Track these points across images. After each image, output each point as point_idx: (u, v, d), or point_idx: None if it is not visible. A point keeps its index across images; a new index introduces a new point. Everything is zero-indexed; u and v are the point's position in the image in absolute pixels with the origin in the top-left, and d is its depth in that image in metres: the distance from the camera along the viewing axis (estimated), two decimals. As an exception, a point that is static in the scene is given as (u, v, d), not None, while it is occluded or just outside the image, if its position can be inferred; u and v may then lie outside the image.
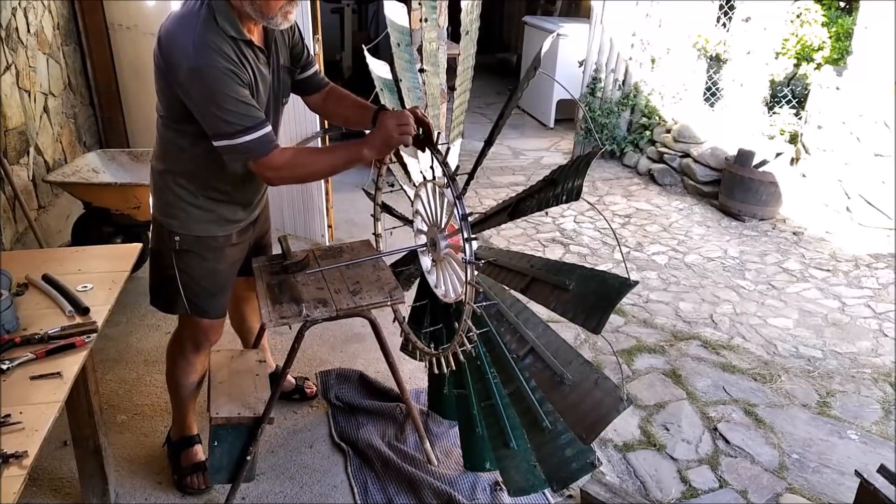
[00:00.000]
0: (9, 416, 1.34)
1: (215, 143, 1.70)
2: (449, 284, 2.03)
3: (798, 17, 4.94)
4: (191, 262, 1.97)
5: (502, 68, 9.00)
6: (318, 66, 2.10)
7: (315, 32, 3.51)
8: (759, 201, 4.70)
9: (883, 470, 1.65)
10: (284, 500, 2.21)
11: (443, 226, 2.00)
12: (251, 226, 2.10)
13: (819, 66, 4.88)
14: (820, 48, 4.86)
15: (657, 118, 5.77)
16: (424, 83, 2.16)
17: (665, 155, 5.51)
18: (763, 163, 4.72)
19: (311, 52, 2.04)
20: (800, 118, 5.06)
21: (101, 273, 1.88)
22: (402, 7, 2.27)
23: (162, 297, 2.07)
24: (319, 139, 3.68)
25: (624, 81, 5.87)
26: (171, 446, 2.29)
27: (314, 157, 1.92)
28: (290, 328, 1.93)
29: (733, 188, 4.77)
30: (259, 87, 1.77)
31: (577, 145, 5.98)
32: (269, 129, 1.71)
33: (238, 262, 2.11)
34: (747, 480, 2.40)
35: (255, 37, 1.76)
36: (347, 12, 6.24)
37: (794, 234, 4.58)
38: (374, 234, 2.39)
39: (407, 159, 2.22)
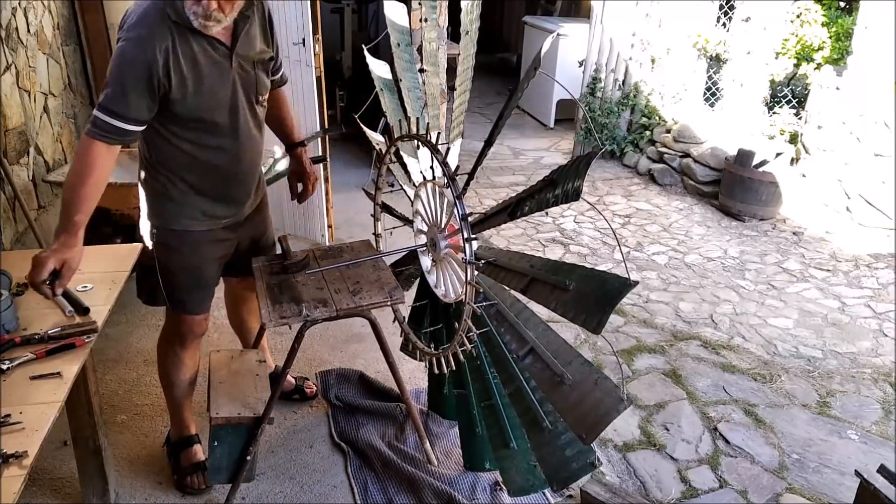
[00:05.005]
0: (9, 416, 1.34)
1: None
2: (449, 284, 2.03)
3: (798, 17, 4.94)
4: (168, 254, 1.98)
5: (502, 68, 9.00)
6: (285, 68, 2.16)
7: (315, 32, 3.50)
8: (759, 201, 4.70)
9: (883, 470, 1.65)
10: (284, 500, 2.21)
11: (443, 226, 2.00)
12: (240, 225, 2.09)
13: (819, 66, 4.88)
14: (820, 48, 4.86)
15: (657, 118, 5.77)
16: (424, 83, 2.16)
17: (665, 155, 5.51)
18: (763, 163, 4.72)
19: (279, 58, 2.07)
20: (800, 118, 5.06)
21: (101, 273, 1.88)
22: (402, 7, 2.27)
23: (144, 289, 2.10)
24: (319, 139, 3.68)
25: (624, 81, 5.86)
26: (171, 446, 2.29)
27: (72, 174, 1.73)
28: (290, 328, 1.93)
29: (733, 188, 4.77)
30: (204, 79, 1.76)
31: (577, 145, 5.98)
32: (124, 125, 1.69)
33: (222, 259, 2.10)
34: (747, 480, 2.40)
35: (221, 30, 1.75)
36: (347, 12, 6.23)
37: (794, 234, 4.58)
38: (374, 234, 2.39)
39: (407, 159, 2.23)
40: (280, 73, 2.12)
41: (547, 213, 4.76)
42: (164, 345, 2.18)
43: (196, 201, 1.94)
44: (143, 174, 1.96)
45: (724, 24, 5.42)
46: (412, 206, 2.19)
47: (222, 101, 1.83)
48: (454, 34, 5.45)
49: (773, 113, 5.20)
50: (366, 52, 2.39)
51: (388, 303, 1.97)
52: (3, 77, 3.03)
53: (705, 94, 5.61)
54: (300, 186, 2.36)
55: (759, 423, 2.69)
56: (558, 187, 1.52)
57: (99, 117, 1.69)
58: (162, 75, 1.69)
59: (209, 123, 1.84)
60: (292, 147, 2.30)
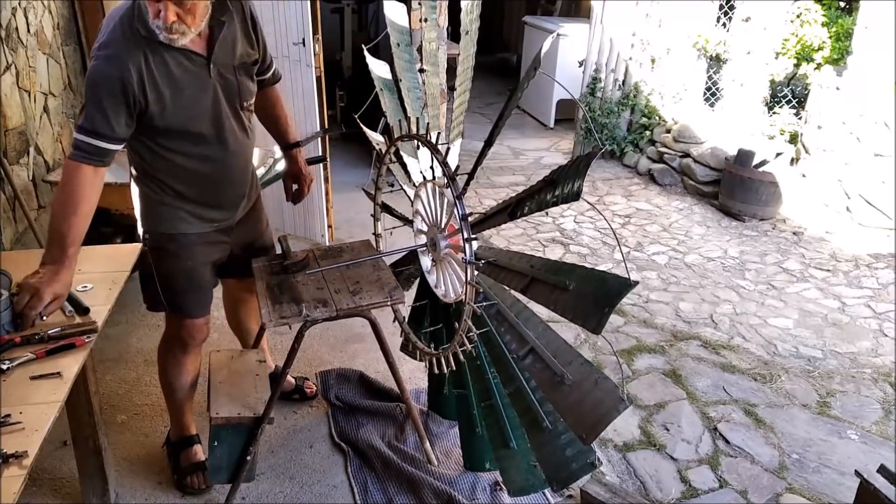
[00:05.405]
0: (9, 416, 1.34)
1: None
2: (449, 284, 2.03)
3: (798, 17, 4.94)
4: (163, 259, 1.98)
5: (502, 68, 8.99)
6: (276, 66, 2.15)
7: (315, 32, 3.50)
8: (759, 201, 4.70)
9: (883, 470, 1.65)
10: (284, 500, 2.21)
11: (443, 226, 2.00)
12: (232, 228, 2.09)
13: (819, 66, 4.88)
14: (820, 48, 4.86)
15: (657, 118, 5.77)
16: (424, 83, 2.16)
17: (665, 155, 5.50)
18: (763, 163, 4.72)
19: (269, 56, 2.06)
20: (800, 118, 5.06)
21: (101, 273, 1.88)
22: (402, 7, 2.27)
23: (146, 294, 2.10)
24: (320, 139, 3.68)
25: (624, 81, 5.86)
26: (171, 446, 2.29)
27: (62, 203, 1.70)
28: (290, 328, 1.93)
29: (733, 188, 4.77)
30: (183, 92, 1.76)
31: (577, 145, 5.97)
32: (106, 145, 1.70)
33: (217, 261, 2.10)
34: (747, 480, 2.40)
35: (195, 40, 1.73)
36: (347, 12, 6.23)
37: (794, 234, 4.58)
38: (374, 234, 2.39)
39: (407, 159, 2.23)
40: (271, 72, 2.10)
41: (547, 213, 4.76)
42: (165, 349, 2.18)
43: (187, 206, 1.94)
44: (132, 180, 1.96)
45: (724, 24, 5.42)
46: (412, 206, 2.19)
47: (204, 111, 1.82)
48: (454, 34, 5.45)
49: (773, 113, 5.20)
50: (366, 52, 2.39)
51: (388, 303, 1.97)
52: (3, 77, 3.03)
53: (705, 94, 5.61)
54: (295, 187, 2.36)
55: (759, 423, 2.69)
56: (558, 187, 1.52)
57: (81, 139, 1.68)
58: (137, 91, 1.68)
59: (194, 134, 1.83)
60: (287, 148, 2.29)
